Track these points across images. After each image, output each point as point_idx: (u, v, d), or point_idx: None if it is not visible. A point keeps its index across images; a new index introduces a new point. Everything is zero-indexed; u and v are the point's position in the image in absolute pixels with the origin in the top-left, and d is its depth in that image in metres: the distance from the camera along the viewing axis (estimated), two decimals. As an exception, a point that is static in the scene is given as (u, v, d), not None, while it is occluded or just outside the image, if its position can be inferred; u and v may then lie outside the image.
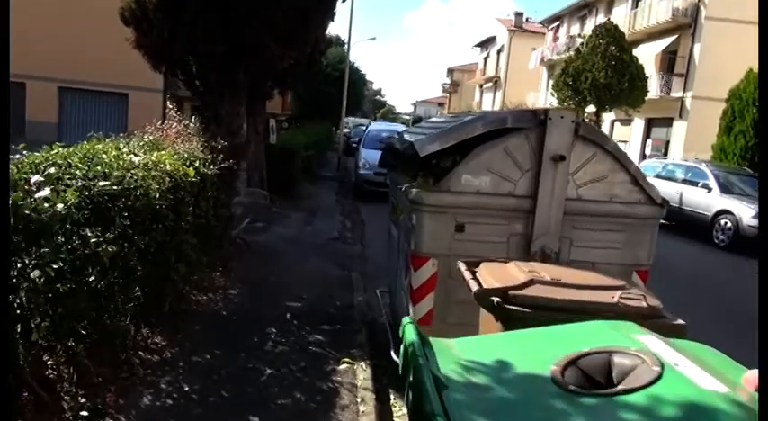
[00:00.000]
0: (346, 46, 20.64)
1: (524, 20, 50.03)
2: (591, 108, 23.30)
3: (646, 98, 23.41)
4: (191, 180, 3.95)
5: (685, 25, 25.60)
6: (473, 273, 2.49)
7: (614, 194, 3.38)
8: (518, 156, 3.29)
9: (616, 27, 23.15)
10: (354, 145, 24.34)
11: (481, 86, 54.82)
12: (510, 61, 47.44)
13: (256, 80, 7.76)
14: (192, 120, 6.39)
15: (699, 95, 24.61)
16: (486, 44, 54.15)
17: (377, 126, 16.40)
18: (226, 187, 5.54)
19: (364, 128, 33.06)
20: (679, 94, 25.61)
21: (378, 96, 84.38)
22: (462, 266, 2.60)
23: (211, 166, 4.63)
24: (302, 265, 6.43)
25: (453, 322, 3.45)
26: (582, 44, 24.03)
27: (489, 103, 50.61)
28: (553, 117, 3.21)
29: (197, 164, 4.30)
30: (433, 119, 4.38)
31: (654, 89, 24.64)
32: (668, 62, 27.01)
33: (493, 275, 2.39)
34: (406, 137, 3.88)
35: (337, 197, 12.81)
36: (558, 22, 39.36)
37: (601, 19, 31.63)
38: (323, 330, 4.33)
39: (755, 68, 14.59)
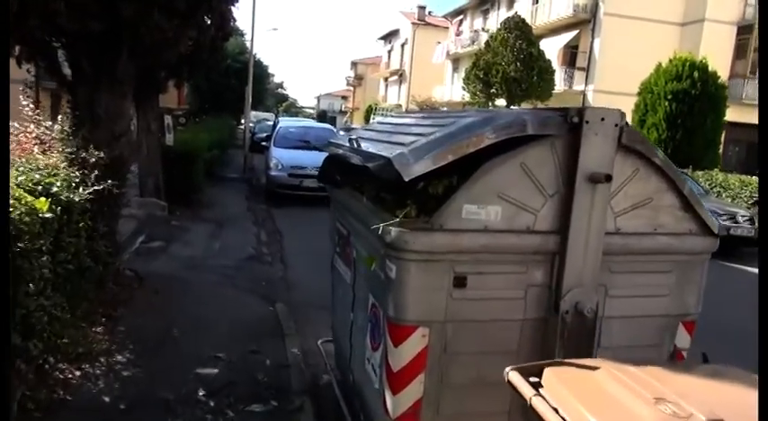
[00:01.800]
0: (250, 34, 19.01)
1: (427, 13, 50.08)
2: (502, 101, 23.24)
3: (552, 91, 23.71)
4: (43, 216, 2.60)
5: (585, 21, 26.25)
6: (540, 394, 1.45)
7: (660, 224, 2.48)
8: (540, 176, 2.29)
9: (524, 21, 23.19)
10: (260, 142, 22.78)
11: (386, 80, 54.40)
12: (414, 54, 47.33)
13: (146, 68, 6.26)
14: (60, 120, 4.85)
15: (600, 89, 25.35)
16: (389, 37, 53.76)
17: (288, 123, 15.02)
18: (106, 212, 4.15)
19: (269, 123, 31.49)
20: (581, 88, 26.28)
21: (280, 89, 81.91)
22: (516, 377, 1.55)
23: (80, 189, 3.27)
24: (214, 302, 5.12)
25: (450, 413, 2.41)
26: (491, 37, 23.89)
27: (395, 96, 50.34)
28: (591, 119, 2.23)
29: (56, 189, 2.94)
30: (395, 119, 3.27)
31: (558, 83, 25.05)
32: (570, 56, 27.68)
33: (587, 404, 1.36)
34: (366, 146, 2.77)
35: (248, 203, 11.38)
36: (461, 16, 39.54)
37: (503, 13, 31.95)
38: (252, 414, 3.14)
39: (664, 63, 14.85)
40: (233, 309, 4.96)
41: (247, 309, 5.04)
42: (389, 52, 53.84)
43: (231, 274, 6.19)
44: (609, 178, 2.21)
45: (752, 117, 17.20)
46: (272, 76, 44.73)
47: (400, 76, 49.71)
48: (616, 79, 24.46)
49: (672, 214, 2.50)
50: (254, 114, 28.26)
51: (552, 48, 25.38)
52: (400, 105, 45.86)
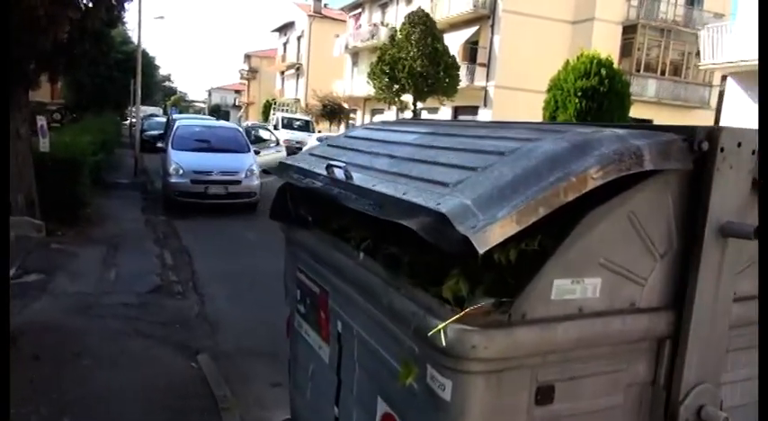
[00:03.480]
0: (133, 21, 17.09)
1: (323, 5, 49.02)
2: (408, 97, 22.86)
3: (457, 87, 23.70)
4: None
5: (485, 17, 26.57)
6: None
7: (776, 281, 1.84)
8: (651, 229, 1.55)
9: (428, 15, 22.91)
10: (150, 140, 20.77)
11: (283, 73, 52.72)
12: (312, 48, 46.16)
13: (12, 59, 4.88)
14: None
15: (501, 85, 25.79)
16: (285, 29, 52.07)
17: (188, 121, 13.47)
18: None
19: (159, 119, 28.98)
20: (483, 84, 26.61)
21: (167, 82, 77.11)
22: None
23: None
24: (117, 363, 3.97)
25: None
26: (397, 31, 23.37)
27: (292, 90, 48.91)
28: (726, 145, 1.52)
29: None
30: (389, 134, 2.32)
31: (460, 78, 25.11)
32: (471, 52, 27.95)
33: None
34: (366, 180, 1.85)
35: (144, 215, 9.90)
36: (358, 9, 38.92)
37: (402, 7, 31.72)
38: None
39: (572, 61, 14.99)
40: (143, 373, 3.85)
41: (162, 370, 3.95)
42: (285, 45, 52.19)
43: (135, 316, 5.00)
44: (758, 233, 1.50)
45: (637, 112, 18.00)
46: (159, 67, 41.61)
47: (297, 69, 48.32)
48: (517, 75, 24.96)
49: (787, 266, 1.87)
50: (142, 109, 26.01)
51: (453, 43, 25.40)
52: (299, 100, 44.55)
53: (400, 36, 22.35)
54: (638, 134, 1.53)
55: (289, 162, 2.58)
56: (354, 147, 2.38)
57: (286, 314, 2.86)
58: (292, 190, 2.49)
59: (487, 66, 26.71)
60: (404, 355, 1.59)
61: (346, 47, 38.40)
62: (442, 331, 1.35)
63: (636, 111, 16.36)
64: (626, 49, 26.60)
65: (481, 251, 1.30)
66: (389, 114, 32.25)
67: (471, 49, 27.88)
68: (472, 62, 27.45)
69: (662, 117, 24.85)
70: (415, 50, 21.32)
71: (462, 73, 24.95)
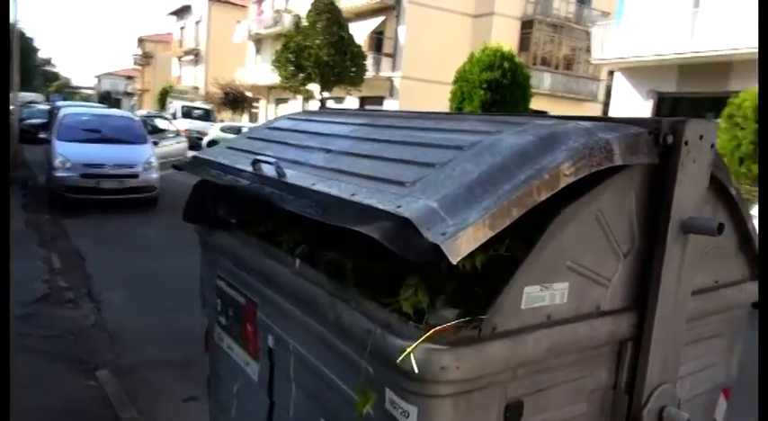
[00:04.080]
0: (7, -2, 15.34)
1: (223, -11, 47.01)
2: (315, 86, 22.45)
3: (364, 77, 23.61)
4: None
5: (390, 7, 26.63)
6: None
7: (720, 273, 1.83)
8: (616, 228, 1.46)
9: (333, 4, 22.53)
10: (30, 130, 18.95)
11: (180, 59, 50.11)
12: (211, 33, 44.26)
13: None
14: None
15: (407, 76, 26.01)
16: (181, 13, 49.49)
17: (75, 109, 12.27)
18: None
19: (39, 106, 26.40)
20: (389, 74, 26.71)
21: (48, 67, 70.89)
22: None
23: None
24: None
25: None
26: (300, 19, 22.80)
27: (191, 77, 46.68)
28: (690, 138, 1.45)
29: None
30: (319, 125, 2.07)
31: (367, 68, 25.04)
32: (376, 42, 27.95)
33: None
34: (302, 178, 1.62)
35: (26, 214, 8.90)
36: (262, -5, 37.68)
37: (307, -6, 31.07)
38: None
39: (477, 53, 15.32)
40: (33, 396, 3.37)
41: (55, 391, 3.48)
42: (182, 29, 49.62)
43: (19, 330, 4.41)
44: (722, 229, 1.45)
45: (535, 104, 18.76)
46: (38, 50, 38.06)
47: (196, 55, 46.15)
48: (422, 66, 25.27)
49: (729, 258, 1.87)
50: (20, 96, 23.63)
51: (359, 33, 25.24)
52: (198, 88, 42.58)
53: (306, 24, 21.84)
54: (603, 127, 1.43)
55: (205, 157, 2.28)
56: (281, 139, 2.14)
57: (198, 319, 2.58)
58: (210, 188, 2.20)
59: (393, 56, 26.83)
60: (357, 380, 1.39)
61: (249, 33, 37.12)
62: (412, 355, 1.17)
63: (533, 104, 17.04)
64: (524, 44, 27.72)
65: (454, 261, 1.13)
66: (295, 104, 31.62)
67: (377, 39, 27.87)
68: (378, 52, 27.46)
69: (556, 109, 26.18)
70: (322, 39, 20.93)
71: (369, 63, 24.87)
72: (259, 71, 35.42)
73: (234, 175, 1.97)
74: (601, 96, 29.34)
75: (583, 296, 1.44)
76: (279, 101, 34.06)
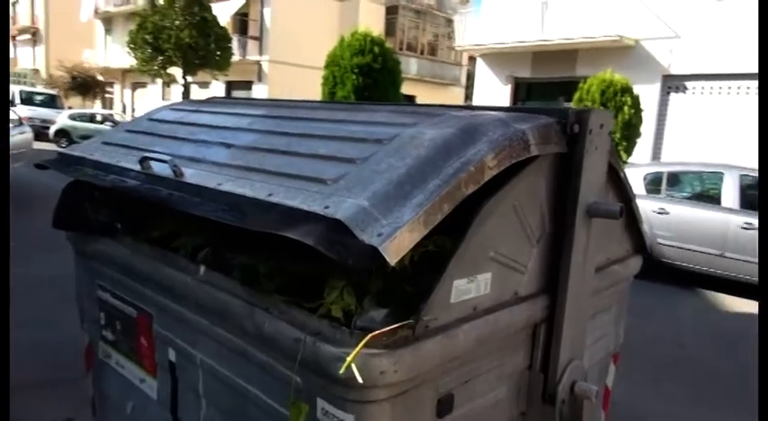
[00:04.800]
0: None
1: (61, -39, 42.38)
2: (177, 70, 21.11)
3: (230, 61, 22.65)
4: None
5: (253, -12, 25.67)
6: None
7: (610, 250, 1.97)
8: (530, 216, 1.50)
9: (192, -19, 21.20)
10: None
11: (14, 39, 44.50)
12: (51, 10, 39.83)
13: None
14: None
15: (275, 60, 25.35)
16: (12, -15, 43.83)
17: None
18: None
19: None
20: (256, 58, 25.86)
21: None
22: None
23: None
24: None
25: None
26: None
27: (29, 59, 41.79)
28: (593, 127, 1.52)
29: None
30: (211, 116, 1.86)
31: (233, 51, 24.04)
32: (241, 24, 26.89)
33: None
34: (204, 176, 1.46)
35: None
36: (108, -31, 34.52)
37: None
38: None
39: (347, 38, 15.27)
40: None
41: None
42: (15, 5, 44.04)
43: None
44: (623, 212, 1.55)
45: (403, 89, 19.18)
46: None
47: (34, 35, 41.31)
48: (291, 50, 24.76)
49: (618, 235, 2.02)
50: None
51: (222, 14, 24.09)
52: (38, 70, 38.25)
53: (162, 2, 20.36)
54: (516, 117, 1.45)
55: (76, 154, 2.01)
56: (169, 133, 1.94)
57: (70, 333, 2.31)
58: (86, 190, 1.95)
59: (260, 39, 25.98)
60: (284, 392, 1.30)
61: (96, 11, 33.89)
62: (353, 364, 1.11)
63: (402, 88, 17.44)
64: (390, 29, 28.18)
65: (393, 262, 1.08)
66: (155, 89, 29.55)
67: (241, 21, 26.79)
68: (243, 35, 26.42)
69: (423, 93, 27.06)
70: (182, 19, 19.66)
71: (234, 46, 23.86)
72: (111, 53, 32.58)
73: (118, 175, 1.75)
74: (463, 81, 30.79)
75: (504, 284, 1.47)
76: (136, 85, 31.62)
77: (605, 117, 1.57)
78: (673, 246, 6.99)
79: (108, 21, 33.93)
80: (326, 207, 1.17)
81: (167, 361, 1.79)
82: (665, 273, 7.09)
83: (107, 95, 34.36)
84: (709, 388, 4.12)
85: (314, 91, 16.48)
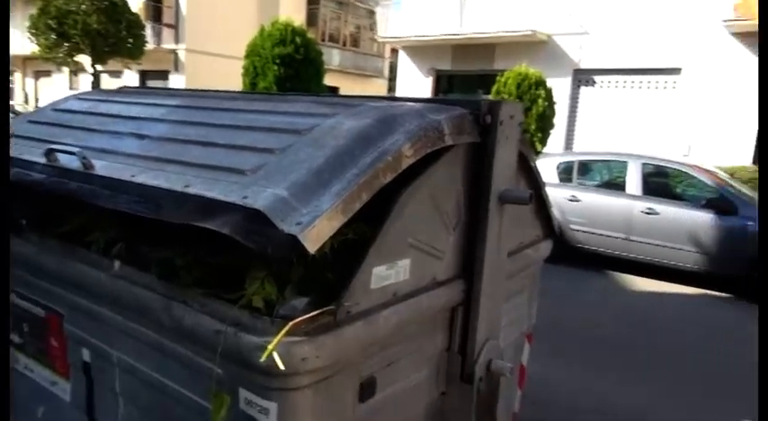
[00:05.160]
0: None
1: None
2: (85, 58, 19.89)
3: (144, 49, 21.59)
4: None
5: (166, -27, 24.58)
6: None
7: (522, 235, 2.08)
8: (446, 204, 1.56)
9: (99, -36, 19.98)
10: None
11: None
12: (-63, -10, 36.33)
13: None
14: None
15: (193, 49, 24.46)
16: None
17: None
18: None
19: None
20: (172, 46, 24.83)
21: None
22: None
23: None
24: None
25: None
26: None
27: None
28: (504, 118, 1.60)
29: None
30: (116, 105, 1.77)
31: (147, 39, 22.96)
32: (154, 11, 25.70)
33: None
34: (117, 169, 1.40)
35: None
36: (3, -53, 31.90)
37: (64, -49, 27.11)
38: None
39: (267, 27, 14.98)
40: None
41: None
42: None
43: None
44: (532, 198, 1.64)
45: (326, 80, 19.08)
46: None
47: None
48: (209, 39, 23.96)
49: (529, 221, 2.14)
50: None
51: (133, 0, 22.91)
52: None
53: (66, -15, 19.07)
54: (432, 108, 1.50)
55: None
56: (76, 124, 1.85)
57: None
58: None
59: (176, 27, 24.94)
60: (205, 385, 1.29)
61: (-11, -7, 31.27)
62: (274, 352, 1.12)
63: (325, 80, 17.36)
64: (311, 19, 27.86)
65: (312, 250, 1.10)
66: (61, 78, 27.74)
67: (155, 7, 25.59)
68: (158, 22, 25.26)
69: (347, 85, 27.01)
70: (89, 4, 18.50)
71: (148, 34, 22.76)
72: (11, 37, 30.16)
73: (21, 169, 1.66)
74: (387, 73, 30.98)
75: (422, 270, 1.52)
76: (39, 74, 29.52)
77: (515, 108, 1.66)
78: (584, 232, 7.41)
79: (5, 3, 31.40)
80: (245, 197, 1.17)
81: (81, 361, 1.72)
82: (578, 258, 7.51)
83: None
84: (621, 364, 4.43)
85: (236, 81, 16.08)
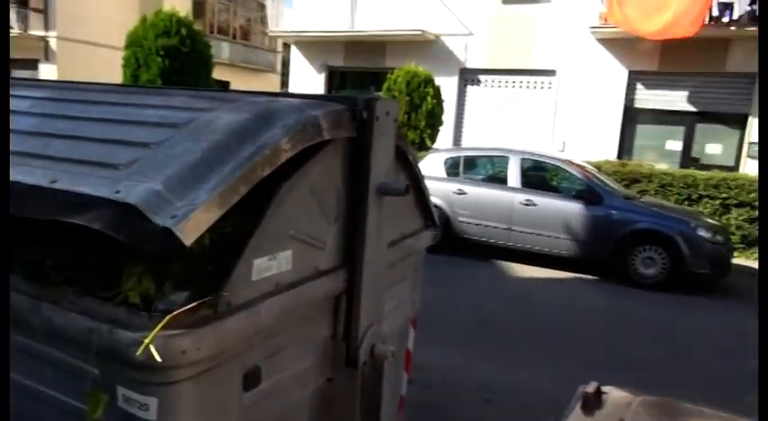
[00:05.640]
0: None
1: None
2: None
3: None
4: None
5: (33, -48, 22.55)
6: None
7: (404, 225, 2.19)
8: (326, 196, 1.62)
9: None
10: None
11: None
12: None
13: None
14: None
15: (66, 37, 22.69)
16: None
17: None
18: None
19: None
20: (41, 33, 22.86)
21: None
22: None
23: None
24: None
25: None
26: None
27: None
28: (381, 114, 1.68)
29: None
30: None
31: (11, 25, 20.94)
32: (20, -7, 23.47)
33: None
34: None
35: None
36: None
37: None
38: None
39: (150, 17, 14.21)
40: None
41: None
42: None
43: None
44: (408, 190, 1.75)
45: (216, 74, 18.44)
46: None
47: None
48: (84, 27, 22.34)
49: (410, 212, 2.25)
50: None
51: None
52: None
53: None
54: (310, 104, 1.55)
55: None
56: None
57: None
58: None
59: (45, 12, 22.96)
60: (79, 385, 1.26)
61: None
62: (151, 345, 1.12)
63: (215, 73, 16.80)
64: (198, 10, 26.77)
65: (188, 243, 1.12)
66: None
67: (19, -11, 23.36)
68: (24, 6, 23.10)
69: (238, 80, 26.26)
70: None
71: (12, 18, 20.76)
72: None
73: None
74: (279, 68, 30.50)
75: (304, 260, 1.57)
76: None
77: (391, 105, 1.75)
78: (471, 223, 7.81)
79: None
80: (117, 191, 1.16)
81: None
82: (466, 248, 7.90)
83: None
84: (508, 344, 4.75)
85: (115, 73, 15.11)
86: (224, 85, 22.53)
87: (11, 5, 21.71)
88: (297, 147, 1.40)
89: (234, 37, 28.46)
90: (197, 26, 17.06)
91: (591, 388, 1.54)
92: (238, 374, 1.39)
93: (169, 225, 1.09)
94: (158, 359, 1.12)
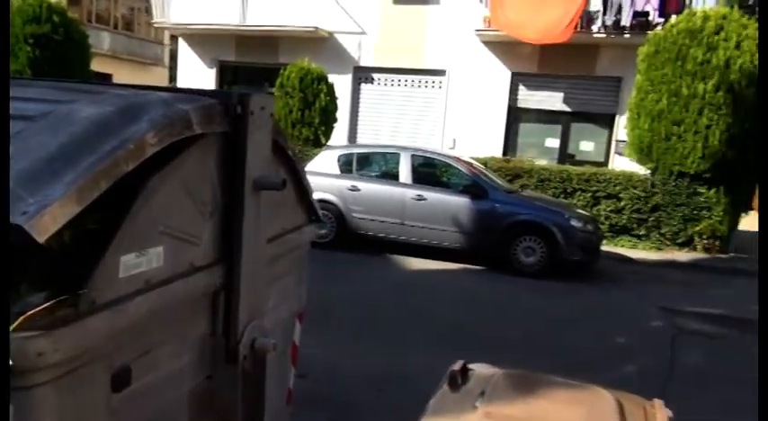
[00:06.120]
0: None
1: None
2: None
3: None
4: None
5: None
6: None
7: (285, 220, 2.20)
8: (200, 191, 1.60)
9: None
10: None
11: None
12: None
13: None
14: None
15: None
16: None
17: None
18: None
19: None
20: None
21: None
22: None
23: None
24: None
25: None
26: None
27: None
28: (255, 110, 1.68)
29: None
30: None
31: None
32: None
33: None
34: None
35: None
36: None
37: None
38: None
39: (17, 1, 12.99)
40: None
41: None
42: None
43: None
44: (285, 184, 1.77)
45: (97, 66, 17.25)
46: None
47: None
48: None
49: (291, 207, 2.27)
50: None
51: None
52: None
53: None
54: (180, 98, 1.53)
55: None
56: None
57: None
58: None
59: None
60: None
61: None
62: (-3, 346, 1.06)
63: (96, 65, 15.72)
64: (74, -3, 24.86)
65: (41, 240, 1.08)
66: None
67: None
68: None
69: (122, 73, 24.71)
70: None
71: None
72: None
73: None
74: (167, 61, 29.06)
75: (178, 257, 1.55)
76: None
77: (266, 100, 1.76)
78: (365, 219, 7.94)
79: None
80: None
81: None
82: (361, 243, 8.02)
83: None
84: (399, 335, 4.89)
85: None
86: (105, 78, 21.21)
87: None
88: (164, 141, 1.38)
89: (115, 26, 26.73)
90: (72, 13, 15.87)
91: (457, 366, 1.66)
92: (105, 375, 1.35)
93: (20, 222, 1.05)
94: (10, 362, 1.07)
